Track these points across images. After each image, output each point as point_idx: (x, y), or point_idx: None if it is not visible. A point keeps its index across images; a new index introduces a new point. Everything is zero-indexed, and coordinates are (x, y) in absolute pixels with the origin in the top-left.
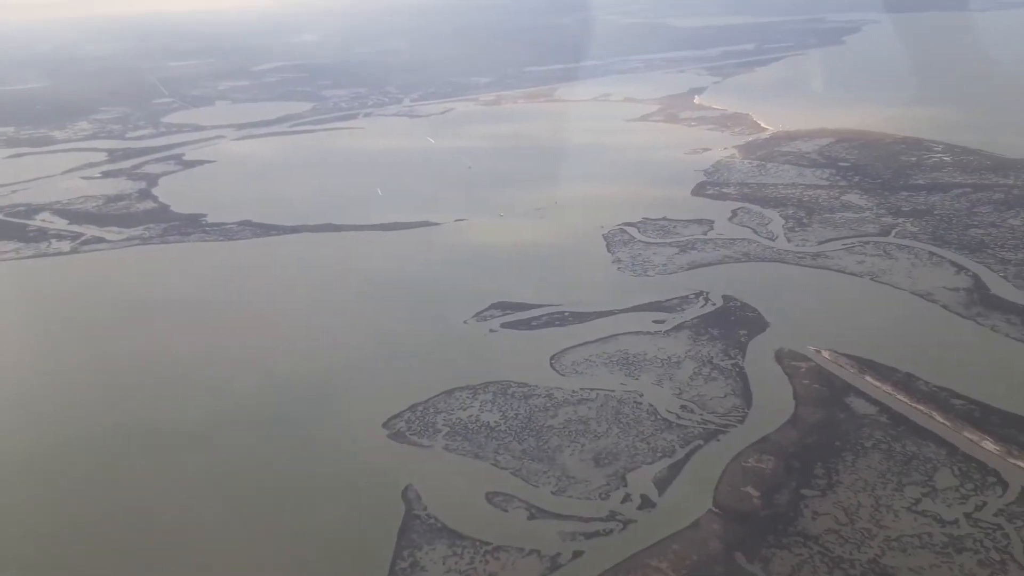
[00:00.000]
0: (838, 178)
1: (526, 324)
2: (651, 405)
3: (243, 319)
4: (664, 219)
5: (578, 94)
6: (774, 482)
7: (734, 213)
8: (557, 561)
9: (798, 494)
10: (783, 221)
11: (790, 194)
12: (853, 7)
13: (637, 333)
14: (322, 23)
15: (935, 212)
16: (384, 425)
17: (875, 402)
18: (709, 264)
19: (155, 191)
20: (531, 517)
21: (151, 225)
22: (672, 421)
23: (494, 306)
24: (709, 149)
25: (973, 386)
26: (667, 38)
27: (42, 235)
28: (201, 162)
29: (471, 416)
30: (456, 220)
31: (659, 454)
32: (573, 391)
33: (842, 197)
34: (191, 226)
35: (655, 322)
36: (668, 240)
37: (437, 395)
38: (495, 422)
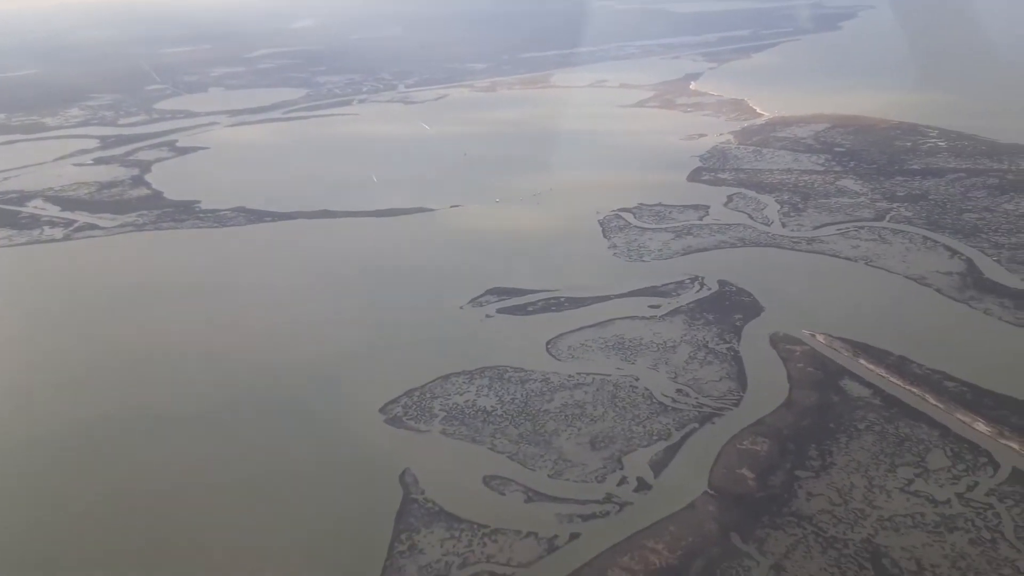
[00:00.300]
0: (833, 163)
1: (522, 309)
2: (647, 389)
3: (237, 305)
4: (660, 205)
5: (574, 80)
6: (769, 464)
7: (729, 199)
8: (554, 543)
9: (792, 475)
10: (778, 206)
11: (785, 179)
12: None
13: (633, 318)
14: (316, 9)
15: (929, 197)
16: (381, 410)
17: (869, 385)
18: (704, 249)
19: (148, 178)
20: (528, 500)
21: (144, 212)
22: (668, 405)
23: (490, 291)
24: (705, 135)
25: (966, 368)
26: (664, 23)
27: (35, 222)
28: (194, 149)
29: (468, 401)
30: (452, 206)
31: (655, 437)
32: (569, 375)
33: (837, 182)
34: (185, 213)
35: (651, 307)
36: (664, 225)
37: (433, 380)
38: (492, 407)
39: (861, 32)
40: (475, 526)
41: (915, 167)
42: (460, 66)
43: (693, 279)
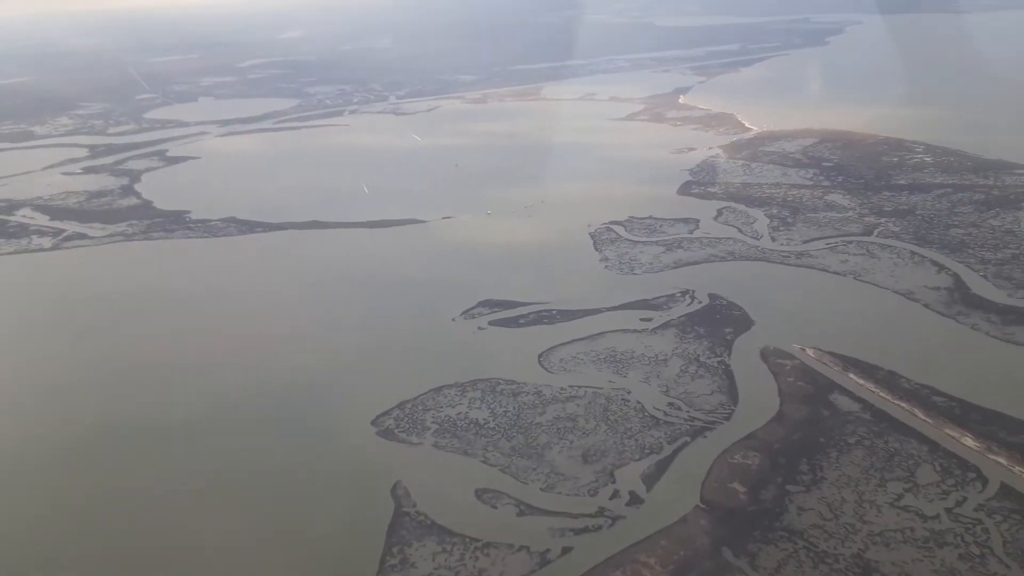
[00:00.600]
0: (822, 178)
1: (514, 322)
2: (638, 402)
3: (228, 316)
4: (650, 218)
5: (564, 93)
6: (760, 478)
7: (719, 212)
8: (546, 557)
9: (783, 490)
10: (768, 220)
11: (774, 194)
12: (837, 8)
13: (624, 331)
14: (307, 19)
15: (917, 212)
16: (373, 423)
17: (858, 399)
18: (695, 263)
19: (138, 187)
20: (520, 514)
21: (134, 221)
22: (659, 418)
23: (482, 304)
24: (694, 149)
25: (954, 383)
26: (653, 37)
27: (23, 231)
28: (185, 158)
29: (460, 413)
30: (443, 218)
31: (647, 451)
32: (561, 388)
33: (825, 197)
34: (175, 223)
35: (642, 320)
36: (654, 239)
37: (426, 392)
38: (484, 419)
39: (848, 47)
40: (467, 539)
41: (902, 182)
42: (451, 78)
43: (684, 292)
